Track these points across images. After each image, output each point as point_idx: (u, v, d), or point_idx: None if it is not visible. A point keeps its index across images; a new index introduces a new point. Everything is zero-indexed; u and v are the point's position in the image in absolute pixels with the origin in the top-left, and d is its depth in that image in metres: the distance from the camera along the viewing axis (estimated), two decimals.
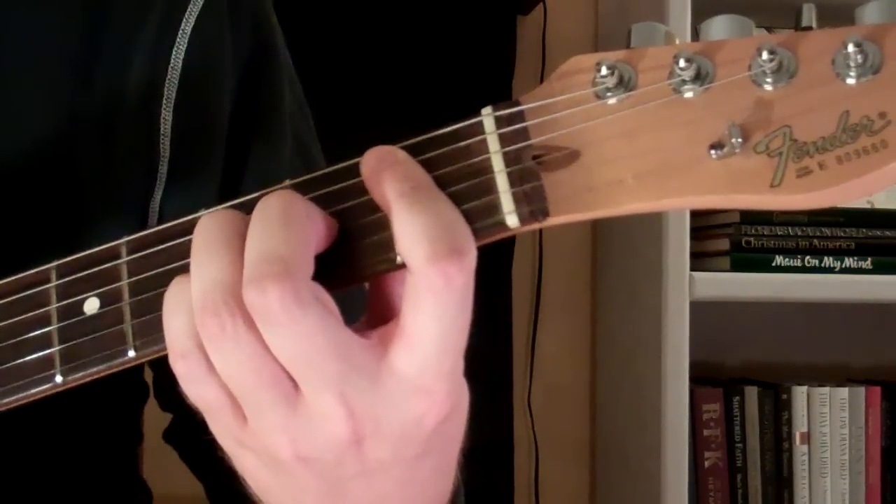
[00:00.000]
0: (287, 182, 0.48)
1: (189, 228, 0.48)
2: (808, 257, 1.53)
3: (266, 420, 0.46)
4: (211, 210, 0.48)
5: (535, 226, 0.45)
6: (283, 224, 0.44)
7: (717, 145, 0.42)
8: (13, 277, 0.51)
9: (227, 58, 0.72)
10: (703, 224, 1.57)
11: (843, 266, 1.54)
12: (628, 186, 0.44)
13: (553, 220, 0.45)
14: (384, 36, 1.69)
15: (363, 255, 0.46)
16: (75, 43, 0.68)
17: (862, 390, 1.63)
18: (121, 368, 0.49)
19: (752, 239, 1.52)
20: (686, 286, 1.48)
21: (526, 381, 1.75)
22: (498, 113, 0.46)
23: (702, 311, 1.52)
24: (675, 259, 1.48)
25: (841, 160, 0.41)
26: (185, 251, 0.48)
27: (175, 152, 0.70)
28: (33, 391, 0.50)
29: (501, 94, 1.70)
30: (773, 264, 1.52)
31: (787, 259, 1.53)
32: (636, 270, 1.60)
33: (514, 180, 0.45)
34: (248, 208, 0.47)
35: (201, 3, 0.71)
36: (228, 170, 0.72)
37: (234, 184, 0.72)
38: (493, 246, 0.47)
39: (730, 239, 1.52)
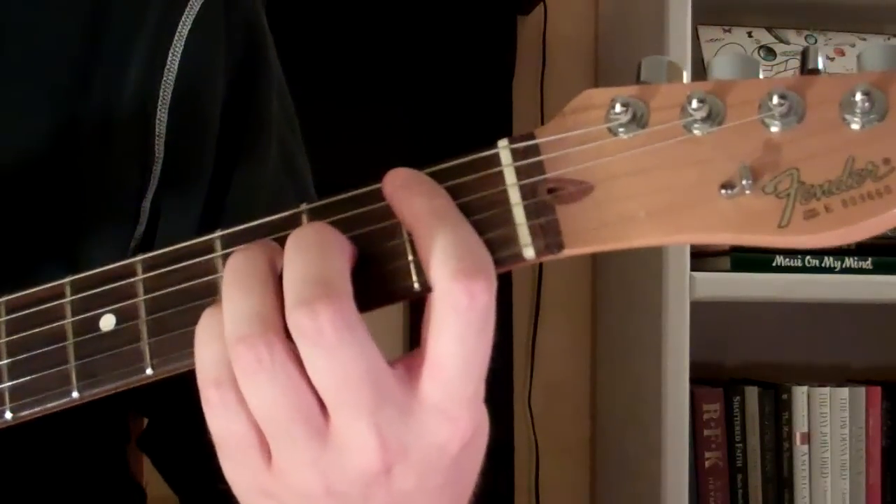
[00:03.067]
0: (304, 206, 0.48)
1: (205, 248, 0.49)
2: (808, 257, 1.53)
3: (296, 457, 0.46)
4: (232, 240, 0.48)
5: (550, 258, 0.47)
6: (321, 250, 0.45)
7: (727, 185, 0.44)
8: (27, 291, 0.51)
9: (220, 61, 0.72)
10: None
11: (843, 266, 1.54)
12: (640, 222, 0.45)
13: (567, 253, 0.46)
14: (384, 36, 1.69)
15: (380, 282, 0.47)
16: (76, 46, 0.69)
17: (862, 390, 1.63)
18: (138, 385, 0.50)
19: None
20: (686, 286, 1.48)
21: (526, 381, 1.75)
22: (514, 146, 0.47)
23: (702, 311, 1.52)
24: (675, 259, 1.48)
25: (846, 204, 0.42)
26: (202, 270, 0.49)
27: (169, 154, 0.70)
28: (50, 405, 0.51)
29: (501, 94, 1.70)
30: (773, 264, 1.52)
31: (787, 259, 1.53)
32: (636, 270, 1.60)
33: (530, 213, 0.46)
34: (265, 230, 0.48)
35: (198, 6, 0.71)
36: (215, 176, 0.72)
37: (221, 191, 0.72)
38: None
39: None
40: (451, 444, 0.46)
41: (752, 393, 1.61)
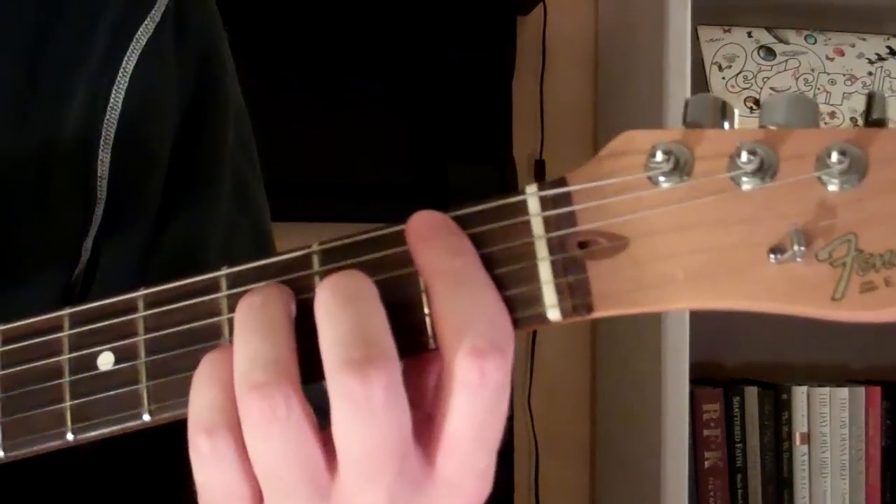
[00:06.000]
0: (316, 247, 0.45)
1: (210, 287, 0.46)
2: None
3: None
4: (239, 279, 0.46)
5: (577, 320, 0.43)
6: (366, 304, 0.42)
7: (777, 250, 0.40)
8: (24, 321, 0.49)
9: (171, 96, 0.69)
10: None
11: None
12: (679, 284, 0.41)
13: (596, 315, 0.42)
14: (385, 36, 1.69)
15: (393, 335, 0.43)
16: (13, 78, 0.65)
17: (862, 390, 1.64)
18: (134, 430, 0.47)
19: None
20: None
21: (526, 381, 1.75)
22: (543, 193, 0.43)
23: (702, 311, 1.52)
24: None
25: None
26: (205, 311, 0.46)
27: (112, 195, 0.67)
28: (44, 446, 0.48)
29: (501, 94, 1.70)
30: None
31: None
32: None
33: (557, 270, 0.42)
34: (273, 270, 0.45)
35: (145, 39, 0.67)
36: (162, 212, 0.69)
37: (164, 221, 0.69)
38: None
39: None
40: None
41: (751, 393, 1.62)
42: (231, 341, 0.45)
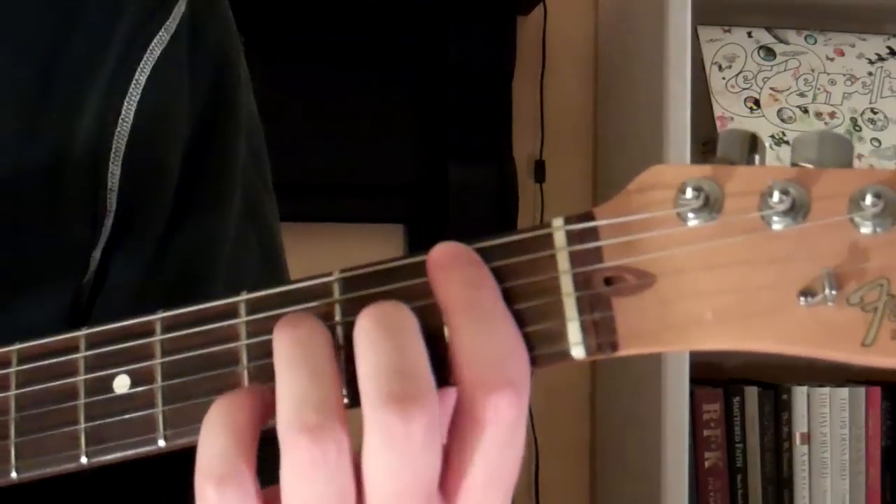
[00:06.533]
0: (336, 275, 0.45)
1: (228, 312, 0.45)
2: None
3: None
4: (258, 305, 0.45)
5: (601, 358, 0.42)
6: (409, 337, 0.41)
7: (807, 292, 0.39)
8: (40, 341, 0.49)
9: (183, 107, 0.68)
10: None
11: None
12: (706, 324, 0.40)
13: (622, 353, 0.42)
14: (385, 36, 1.69)
15: None
16: (27, 87, 0.65)
17: (862, 390, 1.64)
18: (148, 455, 0.46)
19: None
20: None
21: None
22: (569, 227, 0.42)
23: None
24: None
25: None
26: (223, 336, 0.45)
27: (121, 207, 0.66)
28: (57, 468, 0.47)
29: (501, 94, 1.70)
30: None
31: None
32: None
33: (583, 307, 0.41)
34: (293, 297, 0.45)
35: (158, 52, 0.66)
36: (170, 223, 0.68)
37: (172, 234, 0.68)
38: None
39: None
40: None
41: (751, 393, 1.62)
42: (248, 368, 0.44)
